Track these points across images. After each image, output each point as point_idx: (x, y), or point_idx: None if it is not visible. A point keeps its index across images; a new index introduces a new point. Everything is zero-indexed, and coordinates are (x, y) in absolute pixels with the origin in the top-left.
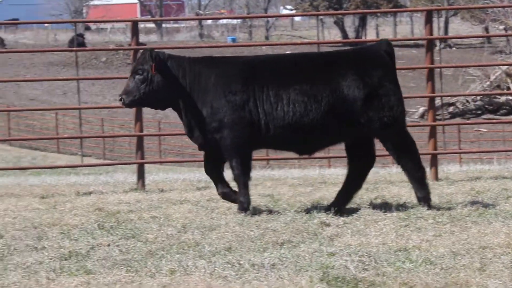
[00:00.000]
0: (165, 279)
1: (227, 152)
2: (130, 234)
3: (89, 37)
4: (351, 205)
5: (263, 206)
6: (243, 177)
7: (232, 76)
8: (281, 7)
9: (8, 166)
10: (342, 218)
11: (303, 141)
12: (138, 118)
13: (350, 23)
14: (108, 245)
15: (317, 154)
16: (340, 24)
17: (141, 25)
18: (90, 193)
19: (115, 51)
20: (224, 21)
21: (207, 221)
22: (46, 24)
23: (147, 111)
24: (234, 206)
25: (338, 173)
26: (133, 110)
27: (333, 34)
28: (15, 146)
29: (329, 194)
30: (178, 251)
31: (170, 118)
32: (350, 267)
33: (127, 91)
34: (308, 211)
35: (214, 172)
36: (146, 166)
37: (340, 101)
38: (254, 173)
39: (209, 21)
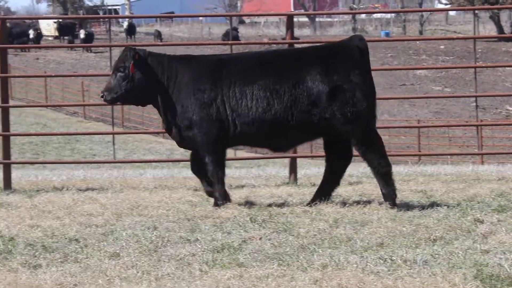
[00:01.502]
0: (316, 273)
1: (200, 149)
2: (282, 228)
3: (242, 30)
4: (505, 202)
5: (416, 202)
6: (217, 173)
7: (201, 75)
8: (436, 1)
9: (161, 158)
10: (496, 216)
11: (271, 137)
12: None
13: (506, 17)
14: (260, 239)
15: (468, 150)
16: (495, 19)
17: (294, 19)
18: (243, 186)
19: (269, 45)
20: (378, 15)
21: (359, 216)
22: (200, 18)
23: None
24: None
25: (492, 169)
26: None
27: (488, 29)
28: (168, 139)
29: (483, 191)
30: (329, 246)
31: None
32: (504, 265)
33: (109, 88)
34: (461, 207)
35: (200, 170)
36: (298, 160)
37: (304, 96)
38: (405, 169)
39: (363, 15)
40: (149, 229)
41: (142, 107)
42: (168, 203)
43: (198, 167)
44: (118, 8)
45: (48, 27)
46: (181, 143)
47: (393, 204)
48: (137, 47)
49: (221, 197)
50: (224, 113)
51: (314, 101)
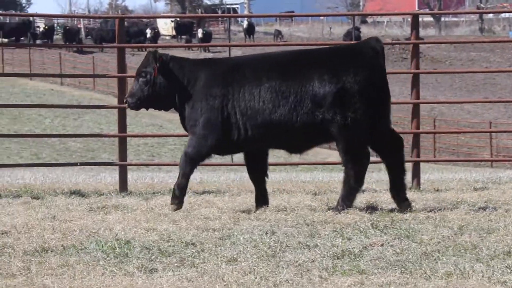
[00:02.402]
0: (440, 282)
1: (189, 140)
2: (404, 234)
3: (365, 30)
4: None
5: None
6: (185, 168)
7: (215, 78)
8: None
9: (279, 161)
10: None
11: (282, 139)
12: (415, 115)
13: None
14: (382, 245)
15: None
16: None
17: (419, 19)
18: (363, 191)
19: (391, 45)
20: (506, 14)
21: (485, 223)
22: (321, 17)
23: (423, 108)
24: None
25: None
26: (410, 106)
27: None
28: None
29: None
30: (454, 254)
31: (446, 115)
32: None
33: (131, 93)
34: None
35: (255, 175)
36: (422, 164)
37: (310, 97)
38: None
39: (490, 15)
40: (267, 233)
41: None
42: (287, 208)
43: (252, 170)
44: (237, 7)
45: (165, 26)
46: None
47: (338, 210)
48: (159, 52)
49: (179, 190)
50: (234, 116)
51: (319, 103)
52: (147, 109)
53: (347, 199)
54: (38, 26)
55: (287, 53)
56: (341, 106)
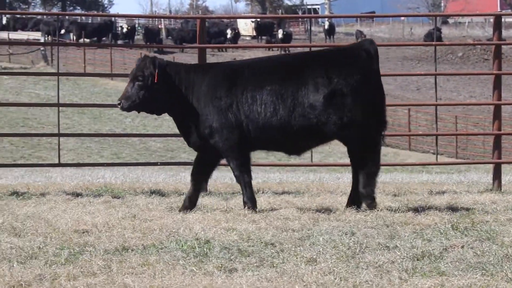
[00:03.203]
0: None
1: (224, 155)
2: (485, 236)
3: (446, 31)
4: None
5: None
6: (243, 177)
7: (218, 82)
8: None
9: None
10: None
11: (279, 141)
12: (497, 116)
13: None
14: (462, 247)
15: None
16: None
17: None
18: (443, 192)
19: (472, 46)
20: None
21: None
22: (402, 18)
23: (504, 109)
24: None
25: None
26: (491, 107)
27: None
28: None
29: None
30: None
31: None
32: None
33: (126, 96)
34: None
35: (198, 177)
36: (503, 166)
37: (305, 99)
38: None
39: None
40: (346, 234)
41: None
42: (366, 208)
43: (197, 172)
44: (318, 8)
45: (245, 27)
46: (201, 151)
47: (371, 206)
48: (157, 57)
49: (250, 201)
50: (239, 118)
51: (314, 104)
52: (138, 112)
53: (370, 188)
54: (121, 26)
55: (282, 56)
56: (336, 108)
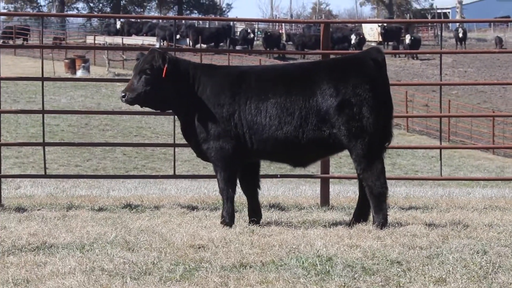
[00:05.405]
0: None
1: (213, 164)
2: None
3: None
4: None
5: None
6: (227, 191)
7: (222, 88)
8: None
9: (490, 176)
10: None
11: (287, 153)
12: None
13: None
14: None
15: None
16: None
17: None
18: None
19: None
20: None
21: None
22: None
23: None
24: None
25: None
26: None
27: None
28: (499, 155)
29: None
30: None
31: None
32: None
33: (131, 88)
34: None
35: (248, 188)
36: None
37: (314, 110)
38: None
39: None
40: (478, 253)
41: None
42: (500, 225)
43: (246, 185)
44: (448, 12)
45: (371, 32)
46: (200, 155)
47: (381, 227)
48: (165, 52)
49: (228, 216)
50: (241, 128)
51: (323, 116)
52: (141, 107)
53: (381, 213)
54: (247, 31)
55: (289, 65)
56: (344, 118)
